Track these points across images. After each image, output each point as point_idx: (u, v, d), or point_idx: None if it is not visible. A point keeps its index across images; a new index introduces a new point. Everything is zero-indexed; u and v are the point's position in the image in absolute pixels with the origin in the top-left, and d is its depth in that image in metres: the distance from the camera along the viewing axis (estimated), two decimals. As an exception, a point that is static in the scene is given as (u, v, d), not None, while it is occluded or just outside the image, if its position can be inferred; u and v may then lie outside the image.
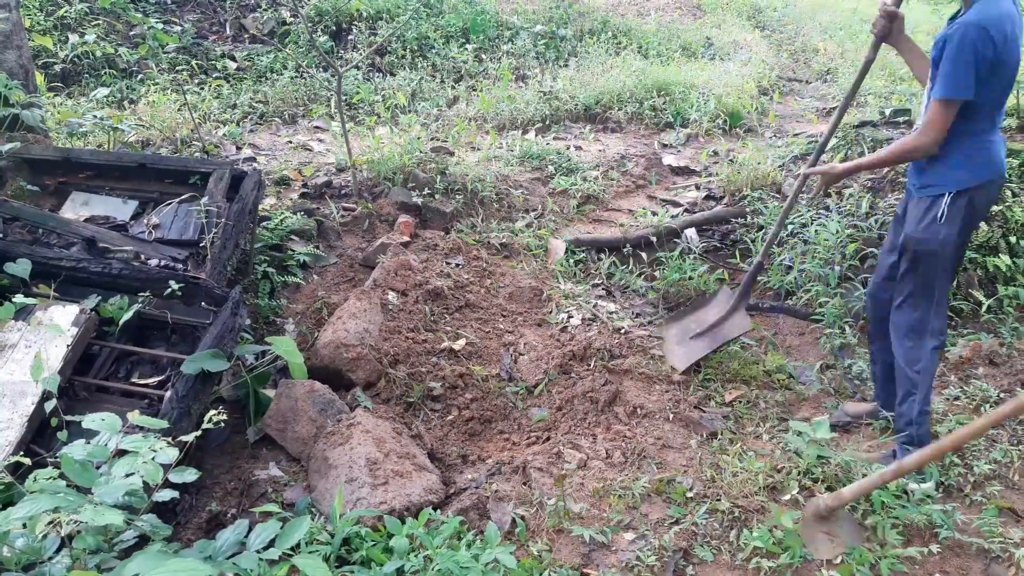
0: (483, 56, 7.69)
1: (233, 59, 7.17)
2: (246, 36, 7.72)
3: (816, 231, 4.02)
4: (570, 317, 3.86)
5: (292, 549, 1.84)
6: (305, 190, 4.65)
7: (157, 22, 5.40)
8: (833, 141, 5.02)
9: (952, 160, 2.49)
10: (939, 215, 2.52)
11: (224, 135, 5.51)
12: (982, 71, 2.34)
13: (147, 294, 2.82)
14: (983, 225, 3.71)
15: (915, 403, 2.67)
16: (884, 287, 2.85)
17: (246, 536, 1.84)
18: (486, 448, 3.04)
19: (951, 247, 2.53)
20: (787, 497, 2.60)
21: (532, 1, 9.04)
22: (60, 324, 2.62)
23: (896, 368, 2.74)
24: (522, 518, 2.51)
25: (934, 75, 2.46)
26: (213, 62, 7.00)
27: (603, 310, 3.94)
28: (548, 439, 3.03)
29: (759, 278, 3.94)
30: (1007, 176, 2.53)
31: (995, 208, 3.78)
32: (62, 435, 2.14)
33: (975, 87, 2.36)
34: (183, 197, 3.44)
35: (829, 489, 2.58)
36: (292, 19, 7.71)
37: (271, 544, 1.82)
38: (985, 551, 2.35)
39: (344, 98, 6.33)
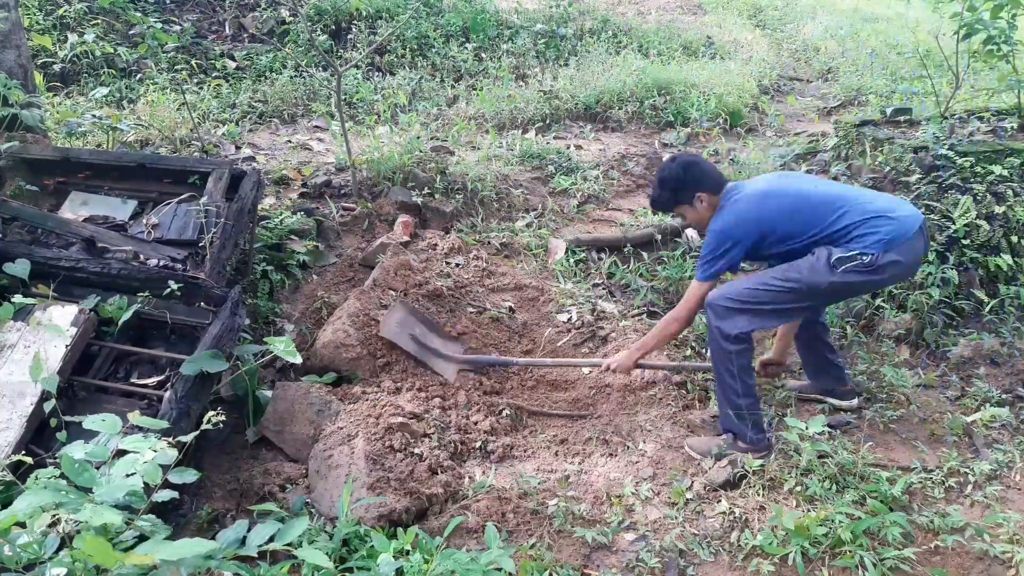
0: (483, 55, 7.68)
1: (232, 58, 7.16)
2: (245, 35, 7.71)
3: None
4: (570, 318, 3.85)
5: (290, 546, 1.83)
6: (304, 190, 4.64)
7: (156, 21, 5.38)
8: (834, 140, 5.02)
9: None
10: (834, 261, 2.62)
11: (223, 135, 5.50)
12: (740, 256, 2.72)
13: (146, 294, 2.81)
14: (984, 224, 3.70)
15: None
16: None
17: (246, 535, 1.84)
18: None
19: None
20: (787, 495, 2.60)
21: (532, 0, 9.03)
22: (59, 324, 2.61)
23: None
24: (523, 519, 2.50)
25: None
26: (212, 61, 6.99)
27: (603, 310, 3.94)
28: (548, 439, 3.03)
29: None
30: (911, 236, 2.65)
31: (996, 208, 3.77)
32: (61, 435, 2.14)
33: (742, 259, 2.74)
34: (182, 197, 3.43)
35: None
36: (291, 18, 7.70)
37: (271, 541, 1.81)
38: (986, 552, 2.35)
39: (344, 97, 6.33)
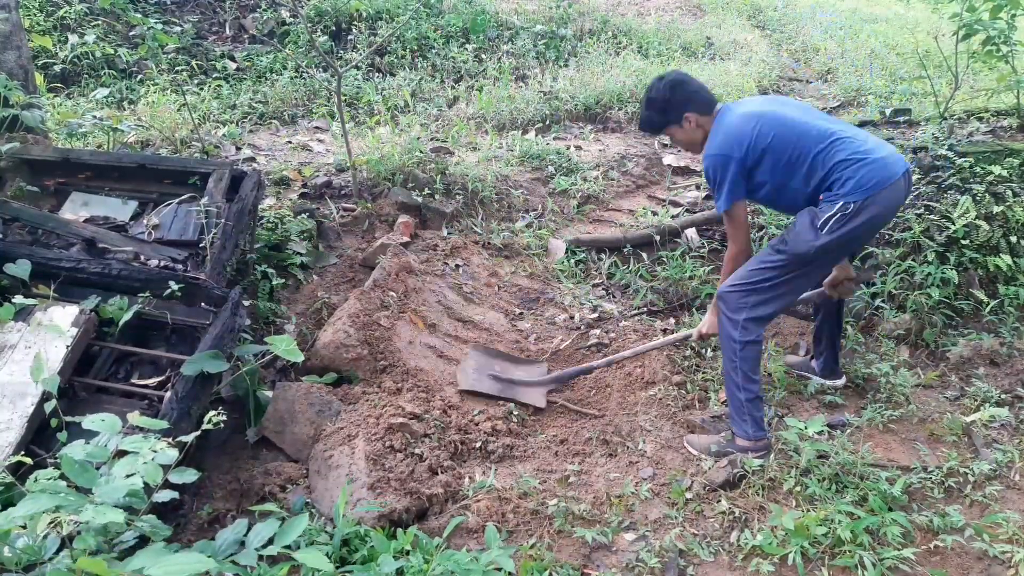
0: (483, 56, 7.69)
1: (233, 59, 7.17)
2: (246, 36, 7.72)
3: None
4: (571, 318, 3.86)
5: (289, 547, 1.84)
6: (305, 190, 4.65)
7: (157, 22, 5.40)
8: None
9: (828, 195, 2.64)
10: (819, 224, 2.61)
11: (224, 135, 5.51)
12: (743, 174, 2.67)
13: (147, 294, 2.82)
14: (983, 224, 3.70)
15: None
16: None
17: (245, 535, 1.84)
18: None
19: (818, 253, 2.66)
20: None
21: (532, 1, 9.04)
22: (60, 325, 2.61)
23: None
24: (523, 519, 2.51)
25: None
26: (213, 62, 7.00)
27: (603, 310, 3.94)
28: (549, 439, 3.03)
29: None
30: (893, 182, 2.61)
31: (995, 208, 3.77)
32: (62, 436, 2.14)
33: (747, 186, 2.71)
34: (183, 197, 3.43)
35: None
36: (292, 19, 7.71)
37: (270, 542, 1.82)
38: (985, 552, 2.35)
39: (344, 98, 6.33)
